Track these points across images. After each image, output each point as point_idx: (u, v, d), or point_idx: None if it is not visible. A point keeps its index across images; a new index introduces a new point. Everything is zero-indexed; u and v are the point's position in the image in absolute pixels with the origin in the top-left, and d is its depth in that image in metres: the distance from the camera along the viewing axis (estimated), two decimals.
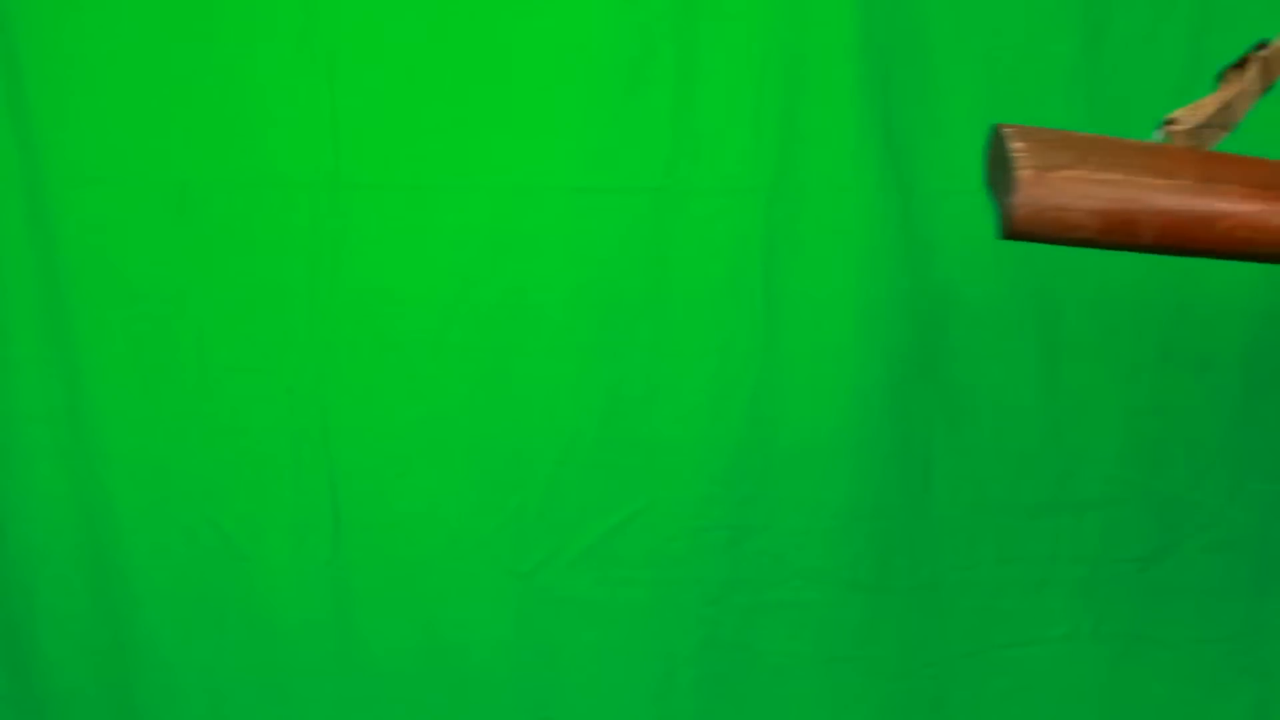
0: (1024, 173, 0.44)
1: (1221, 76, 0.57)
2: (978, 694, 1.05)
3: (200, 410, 1.04)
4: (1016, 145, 0.46)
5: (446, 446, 1.03)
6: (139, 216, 1.00)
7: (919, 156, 0.95)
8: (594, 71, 0.95)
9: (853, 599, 1.04)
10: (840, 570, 1.04)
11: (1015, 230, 0.46)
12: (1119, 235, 0.45)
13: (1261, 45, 0.57)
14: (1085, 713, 1.05)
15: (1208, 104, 0.55)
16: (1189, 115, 0.54)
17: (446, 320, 1.01)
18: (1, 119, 0.99)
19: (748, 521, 1.03)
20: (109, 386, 1.03)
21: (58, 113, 0.99)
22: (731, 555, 1.04)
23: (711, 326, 0.99)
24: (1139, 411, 0.98)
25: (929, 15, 0.92)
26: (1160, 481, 0.99)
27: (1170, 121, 0.54)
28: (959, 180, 0.94)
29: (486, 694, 1.10)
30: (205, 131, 0.99)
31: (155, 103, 0.98)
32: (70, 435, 1.06)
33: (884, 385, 0.99)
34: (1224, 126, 0.55)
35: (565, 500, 1.04)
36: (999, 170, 0.48)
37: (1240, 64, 0.57)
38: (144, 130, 0.99)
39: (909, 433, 1.00)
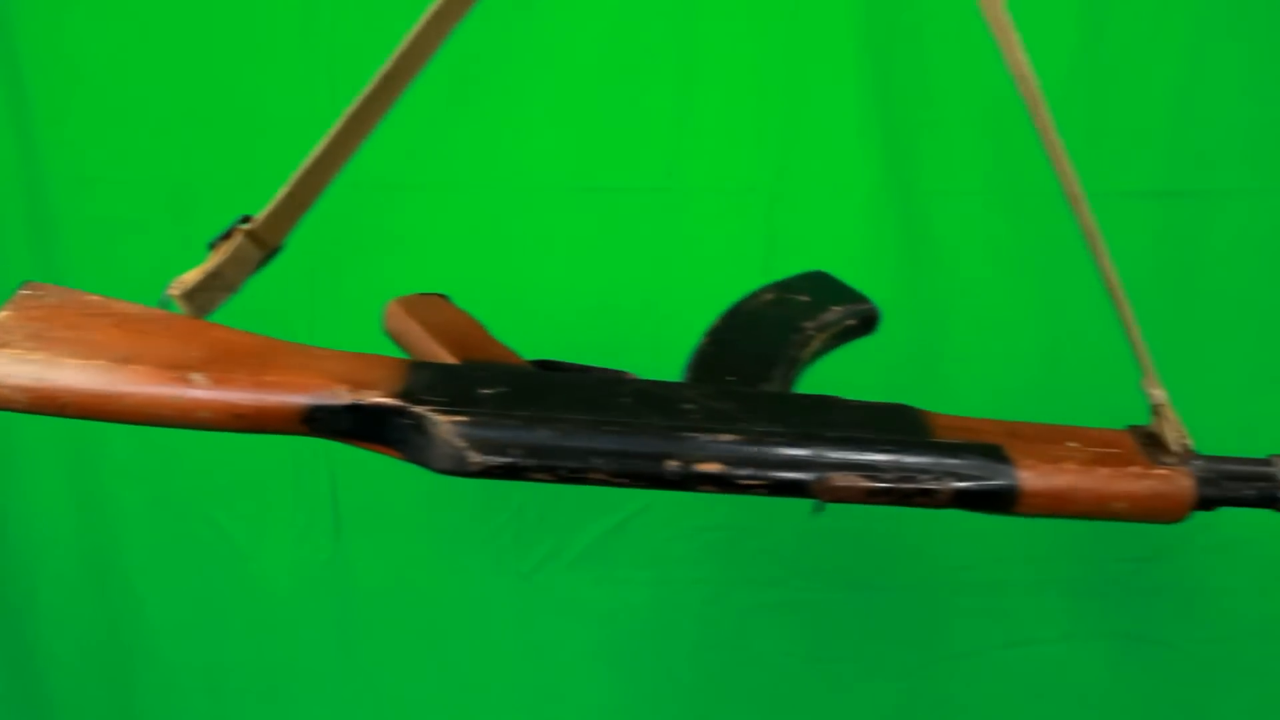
0: None
1: (211, 246, 0.63)
2: (978, 694, 1.06)
3: None
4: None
5: None
6: (139, 216, 1.00)
7: (919, 156, 0.94)
8: (594, 71, 0.95)
9: (853, 599, 1.04)
10: (840, 570, 1.04)
11: None
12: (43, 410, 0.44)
13: (245, 219, 0.63)
14: (1085, 713, 1.05)
15: (195, 272, 0.61)
16: (181, 283, 0.58)
17: None
18: (1, 119, 0.99)
19: (748, 521, 1.03)
20: None
21: (58, 113, 0.99)
22: (731, 555, 1.04)
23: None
24: (1139, 411, 0.98)
25: (929, 15, 0.92)
26: None
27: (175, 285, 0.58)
28: (959, 180, 0.94)
29: (486, 694, 1.11)
30: (205, 131, 0.99)
31: (155, 103, 0.98)
32: (70, 435, 1.06)
33: (884, 385, 0.99)
34: (228, 289, 0.62)
35: (565, 500, 1.04)
36: None
37: (226, 235, 0.63)
38: (144, 130, 0.99)
39: None
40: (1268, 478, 0.61)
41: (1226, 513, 1.02)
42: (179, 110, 0.98)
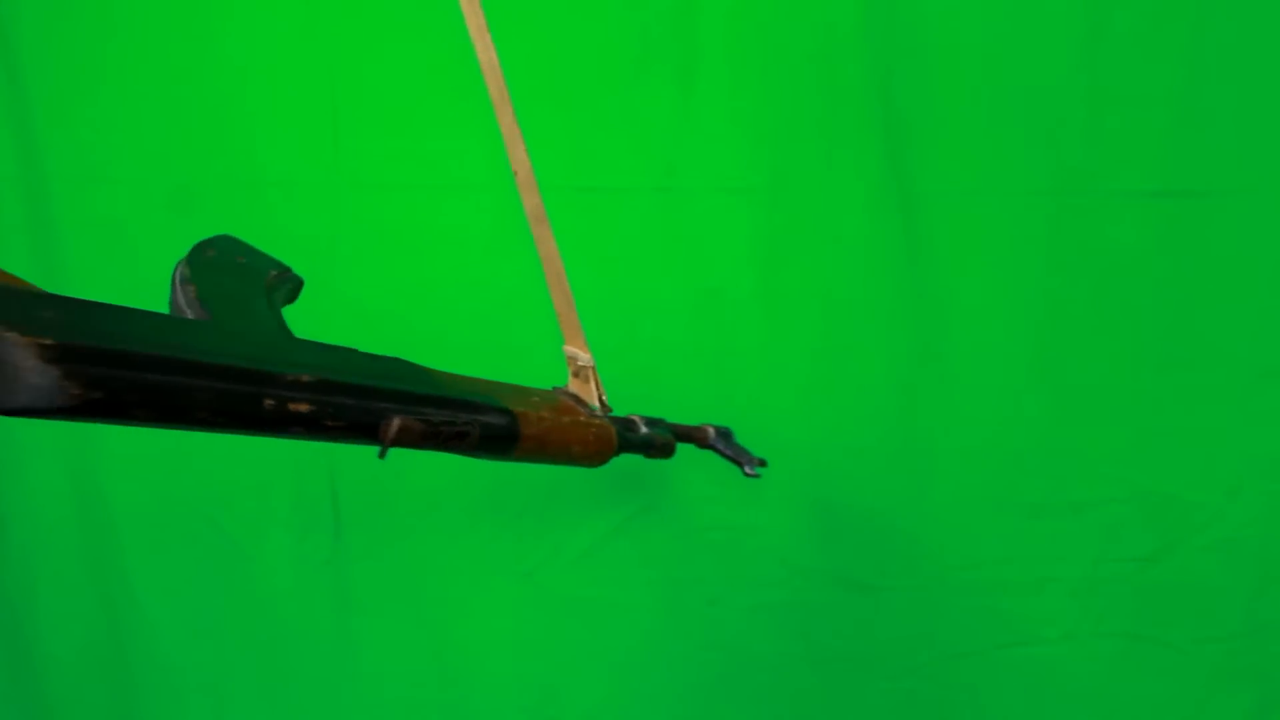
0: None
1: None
2: (978, 694, 1.05)
3: None
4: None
5: None
6: (139, 216, 1.00)
7: (919, 156, 0.94)
8: (594, 71, 0.95)
9: (853, 599, 1.04)
10: (840, 570, 1.04)
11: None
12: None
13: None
14: (1085, 713, 1.05)
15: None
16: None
17: (447, 320, 1.01)
18: (1, 119, 0.99)
19: (748, 521, 1.03)
20: None
21: (58, 113, 0.99)
22: (732, 555, 1.04)
23: (711, 326, 0.99)
24: (1139, 411, 0.98)
25: (929, 15, 0.92)
26: (1160, 481, 0.99)
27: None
28: (959, 180, 0.94)
29: (486, 694, 1.11)
30: (205, 131, 0.99)
31: (155, 103, 0.99)
32: (70, 435, 1.06)
33: (884, 385, 0.99)
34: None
35: (565, 500, 1.04)
36: None
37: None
38: (144, 130, 0.99)
39: (909, 433, 1.00)
40: (657, 425, 0.77)
41: (1226, 513, 1.03)
42: (179, 110, 0.99)
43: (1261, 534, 0.98)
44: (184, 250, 0.98)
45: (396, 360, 0.57)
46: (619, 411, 0.74)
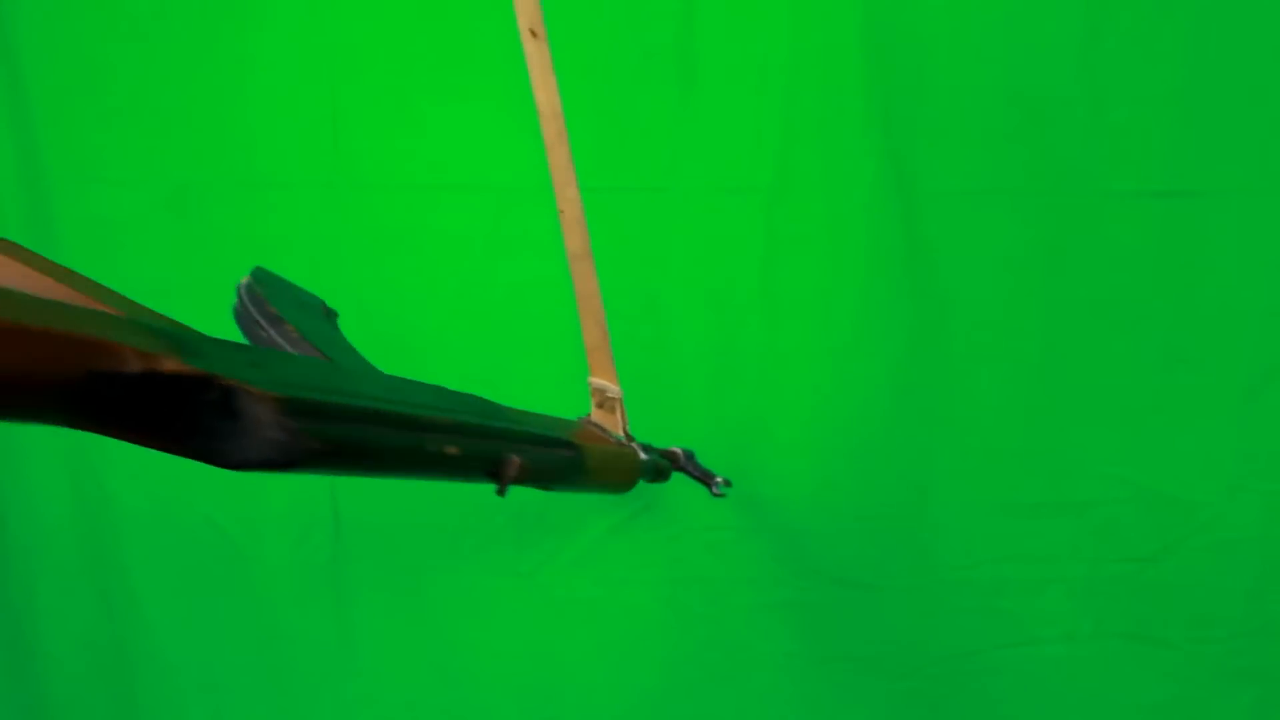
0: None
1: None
2: (978, 694, 1.05)
3: None
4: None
5: None
6: (139, 216, 1.00)
7: (919, 156, 0.94)
8: (594, 71, 0.95)
9: (853, 599, 1.04)
10: (840, 570, 1.04)
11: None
12: None
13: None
14: (1085, 713, 1.05)
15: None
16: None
17: (447, 320, 1.01)
18: (1, 119, 0.99)
19: (748, 521, 1.03)
20: None
21: (58, 113, 0.99)
22: (731, 555, 1.04)
23: (711, 326, 0.99)
24: (1139, 411, 0.98)
25: (929, 15, 0.92)
26: (1160, 481, 0.99)
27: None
28: (959, 180, 0.94)
29: (486, 694, 1.11)
30: (205, 132, 0.99)
31: (155, 103, 0.98)
32: (70, 435, 1.06)
33: (884, 385, 0.99)
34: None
35: (565, 500, 1.04)
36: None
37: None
38: (144, 130, 0.99)
39: (909, 432, 1.00)
40: (670, 457, 0.83)
41: (1226, 513, 1.03)
42: (179, 110, 0.99)
43: (1261, 534, 0.98)
44: (184, 250, 0.98)
45: (479, 397, 0.58)
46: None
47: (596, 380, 0.76)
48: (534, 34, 0.63)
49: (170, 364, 0.33)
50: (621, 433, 0.76)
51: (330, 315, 0.67)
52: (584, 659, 1.08)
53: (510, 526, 1.05)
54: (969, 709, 1.06)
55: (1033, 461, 0.99)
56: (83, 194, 1.00)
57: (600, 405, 0.76)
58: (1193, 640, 1.02)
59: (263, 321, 0.59)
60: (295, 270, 1.00)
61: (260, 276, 0.64)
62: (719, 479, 0.88)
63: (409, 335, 1.01)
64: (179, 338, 0.35)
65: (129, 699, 1.13)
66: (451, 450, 0.45)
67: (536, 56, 0.64)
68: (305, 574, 1.08)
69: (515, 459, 0.50)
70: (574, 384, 1.01)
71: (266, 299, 0.61)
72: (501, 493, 0.50)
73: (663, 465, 0.82)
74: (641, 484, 1.04)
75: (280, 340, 0.58)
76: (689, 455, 0.90)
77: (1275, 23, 0.90)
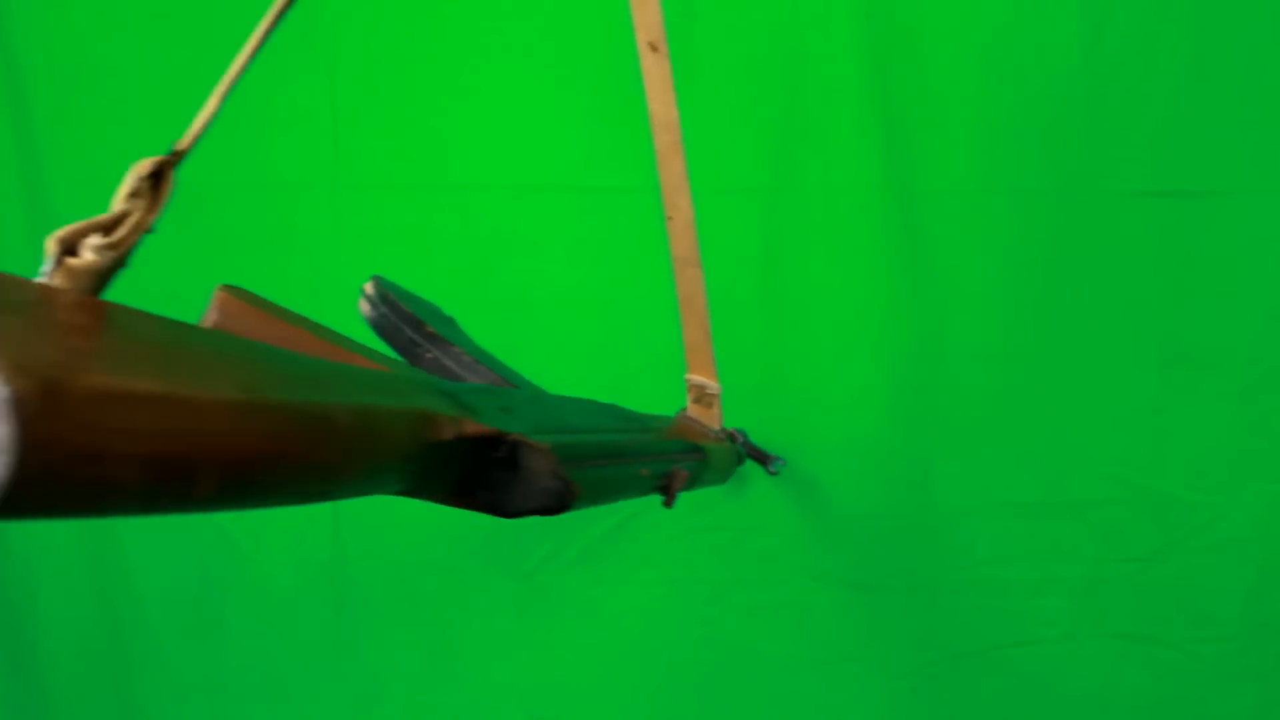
0: (22, 384, 0.19)
1: (135, 191, 0.42)
2: (978, 694, 1.05)
3: None
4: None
5: None
6: None
7: (919, 156, 0.94)
8: (594, 71, 0.95)
9: (853, 599, 1.04)
10: (840, 570, 1.04)
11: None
12: (167, 497, 0.24)
13: (173, 151, 0.45)
14: (1085, 713, 1.05)
15: (124, 229, 0.40)
16: (102, 247, 0.37)
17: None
18: (1, 119, 0.99)
19: (748, 521, 1.03)
20: None
21: (58, 113, 0.99)
22: (731, 555, 1.04)
23: (711, 326, 0.99)
24: (1139, 411, 0.98)
25: (929, 15, 0.92)
26: (1160, 481, 0.99)
27: (68, 250, 0.36)
28: (959, 180, 0.94)
29: (486, 694, 1.11)
30: (206, 132, 0.99)
31: (155, 103, 0.99)
32: None
33: (884, 385, 0.99)
34: (125, 263, 0.41)
35: None
36: None
37: (157, 174, 0.43)
38: (144, 130, 0.99)
39: (909, 432, 1.00)
40: (731, 438, 0.81)
41: (1226, 513, 1.03)
42: (179, 110, 0.98)
43: (1261, 534, 0.98)
44: (185, 250, 0.99)
45: (618, 406, 0.60)
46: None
47: (695, 377, 0.78)
48: (653, 48, 0.63)
49: (471, 427, 0.34)
50: (717, 427, 0.78)
51: (450, 321, 0.67)
52: (584, 659, 1.08)
53: (510, 526, 1.05)
54: (969, 709, 1.06)
55: (1033, 461, 0.99)
56: (83, 194, 1.00)
57: (697, 400, 0.79)
58: (1193, 640, 1.02)
59: (419, 338, 0.59)
60: (296, 270, 1.01)
61: (384, 284, 0.63)
62: (775, 458, 0.89)
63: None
64: (456, 395, 0.35)
65: (129, 699, 1.13)
66: (644, 472, 0.47)
67: (655, 70, 0.65)
68: (305, 574, 1.08)
69: (681, 471, 0.52)
70: (573, 385, 1.01)
71: (414, 313, 0.61)
72: (669, 504, 0.51)
73: (742, 452, 0.83)
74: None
75: (451, 364, 0.58)
76: (743, 434, 0.91)
77: (1276, 23, 0.90)
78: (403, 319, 0.60)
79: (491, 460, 0.35)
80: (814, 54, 0.93)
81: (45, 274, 0.36)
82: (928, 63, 0.93)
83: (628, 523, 1.05)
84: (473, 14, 0.96)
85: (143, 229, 0.40)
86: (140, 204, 0.41)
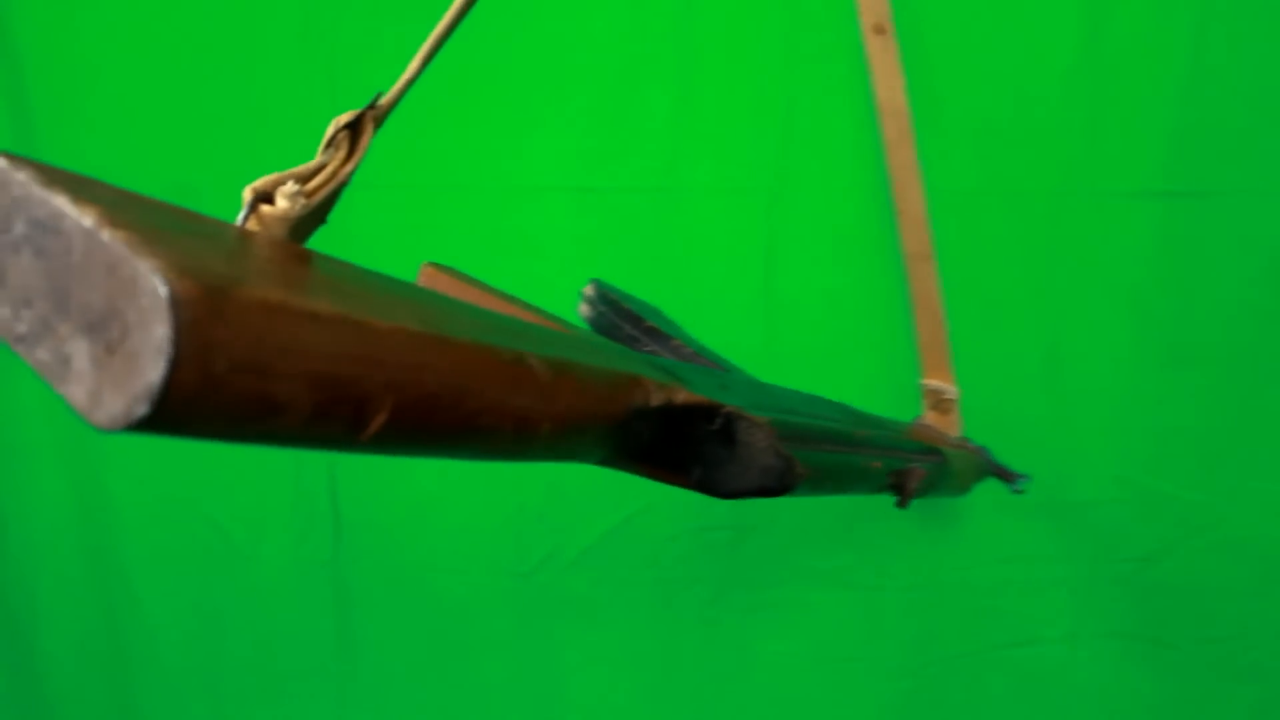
0: (188, 288, 0.19)
1: (332, 140, 0.42)
2: (978, 694, 1.05)
3: None
4: (95, 213, 0.20)
5: None
6: None
7: (919, 156, 0.94)
8: (594, 71, 0.96)
9: (853, 599, 1.04)
10: (840, 570, 1.04)
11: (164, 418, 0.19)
12: (338, 423, 0.23)
13: (375, 102, 0.44)
14: (1085, 713, 1.05)
15: (320, 179, 0.41)
16: (295, 195, 0.37)
17: None
18: (1, 119, 0.99)
19: (748, 521, 1.03)
20: None
21: (58, 113, 0.99)
22: (731, 555, 1.04)
23: (711, 326, 0.99)
24: (1139, 411, 0.98)
25: (929, 15, 0.92)
26: (1160, 481, 0.99)
27: (262, 198, 0.37)
28: (959, 180, 0.94)
29: (486, 694, 1.10)
30: (205, 132, 0.99)
31: (155, 103, 0.99)
32: (70, 435, 1.06)
33: (883, 385, 0.99)
34: (323, 217, 0.42)
35: (565, 500, 1.04)
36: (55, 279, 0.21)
37: (355, 124, 0.43)
38: (144, 130, 0.99)
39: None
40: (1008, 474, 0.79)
41: (1226, 513, 1.03)
42: (179, 110, 0.99)
43: (1261, 534, 0.98)
44: None
45: (849, 406, 0.58)
46: None
47: (931, 382, 0.73)
48: (879, 30, 0.61)
49: (682, 394, 0.33)
50: (956, 434, 0.73)
51: (674, 324, 0.67)
52: (584, 659, 1.08)
53: (509, 526, 1.05)
54: (969, 709, 1.06)
55: (1032, 461, 0.99)
56: None
57: (934, 407, 0.74)
58: (1193, 640, 1.02)
59: (637, 333, 0.58)
60: None
61: (603, 286, 0.62)
62: (1020, 475, 0.85)
63: None
64: (671, 367, 0.35)
65: (129, 699, 1.13)
66: (876, 465, 0.45)
67: (881, 54, 0.62)
68: (305, 574, 1.08)
69: (919, 470, 0.50)
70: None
71: (633, 309, 0.60)
72: (904, 504, 0.48)
73: (985, 465, 0.78)
74: (645, 483, 1.04)
75: (670, 356, 0.57)
76: (985, 452, 0.87)
77: (1276, 23, 0.90)
78: (621, 316, 0.59)
79: (706, 434, 0.34)
80: (814, 54, 0.93)
81: (239, 222, 0.37)
82: (927, 62, 0.93)
83: (628, 523, 1.05)
84: (472, 13, 0.95)
85: (339, 180, 0.41)
86: (338, 155, 0.41)
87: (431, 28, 0.99)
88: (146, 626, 1.11)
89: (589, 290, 0.62)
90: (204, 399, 0.19)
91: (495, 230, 0.99)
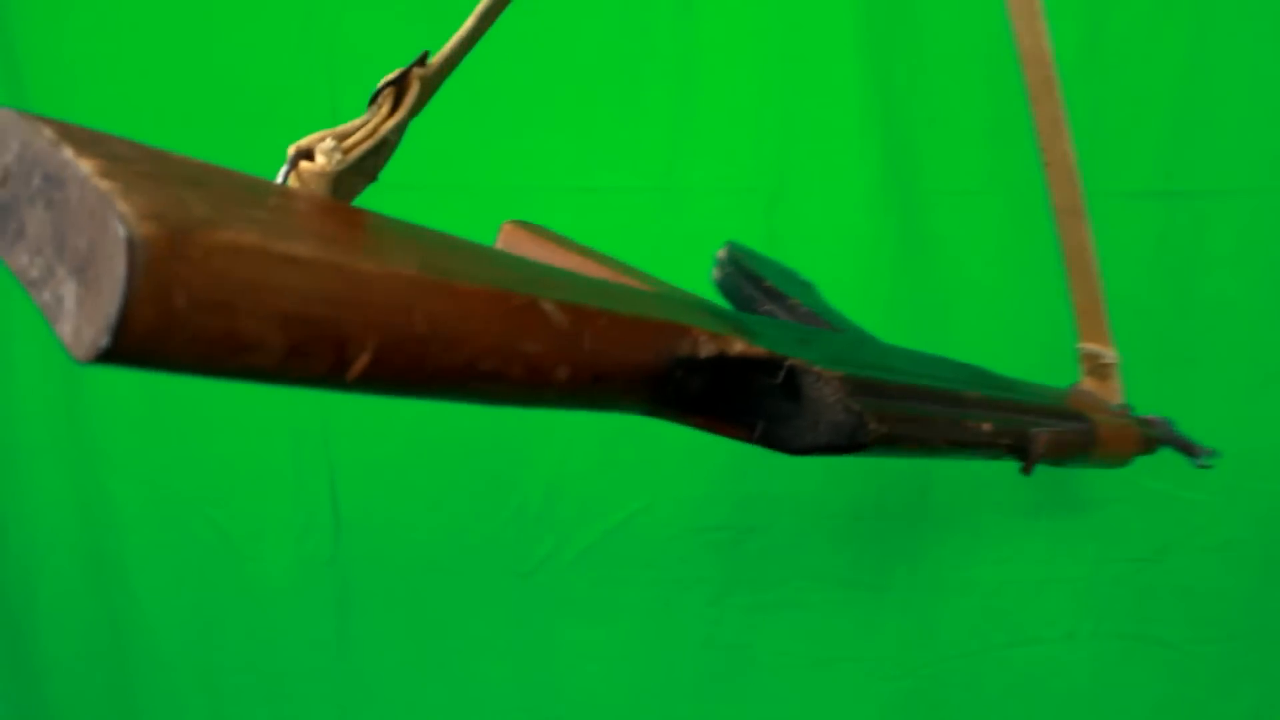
0: (147, 229, 0.20)
1: (376, 98, 0.42)
2: (978, 694, 1.05)
3: (200, 410, 1.04)
4: (91, 164, 0.22)
5: (446, 446, 1.03)
6: None
7: (919, 156, 0.94)
8: (593, 71, 0.95)
9: (853, 599, 1.04)
10: (840, 570, 1.04)
11: (127, 350, 0.20)
12: (318, 362, 0.23)
13: (423, 60, 0.44)
14: (1085, 713, 1.05)
15: (358, 135, 0.40)
16: (332, 150, 0.38)
17: None
18: None
19: (748, 521, 1.03)
20: (109, 386, 1.03)
21: (58, 112, 0.99)
22: (731, 555, 1.04)
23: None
24: (1139, 411, 0.98)
25: (929, 15, 0.92)
26: (1160, 481, 0.99)
27: (303, 155, 0.38)
28: (959, 180, 0.94)
29: (486, 694, 1.10)
30: (205, 132, 0.99)
31: (155, 103, 0.98)
32: (70, 435, 1.06)
33: None
34: (371, 174, 0.42)
35: (565, 500, 1.04)
36: (47, 221, 0.23)
37: (399, 81, 0.42)
38: (144, 131, 0.99)
39: None
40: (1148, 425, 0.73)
41: (1227, 513, 1.03)
42: (179, 110, 0.98)
43: (1261, 534, 0.98)
44: None
45: (982, 368, 0.56)
46: None
47: (1088, 346, 0.69)
48: None
49: (738, 345, 0.32)
50: (1117, 402, 0.69)
51: (809, 285, 0.65)
52: (584, 659, 1.08)
53: (510, 527, 1.05)
54: (969, 709, 1.06)
55: None
56: None
57: (1092, 372, 0.69)
58: (1193, 640, 1.02)
59: (756, 294, 0.57)
60: None
61: (737, 248, 0.61)
62: (1207, 450, 0.80)
63: None
64: (737, 318, 0.34)
65: (129, 699, 1.13)
66: (986, 427, 0.42)
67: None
68: (305, 574, 1.08)
69: (1043, 435, 0.47)
70: None
71: (757, 270, 0.57)
72: (1027, 471, 0.46)
73: (1153, 437, 0.73)
74: (645, 483, 1.04)
75: (784, 315, 0.55)
76: (1167, 424, 0.81)
77: (1275, 23, 0.90)
78: (745, 275, 0.59)
79: (769, 388, 0.33)
80: (814, 54, 0.93)
81: (279, 178, 0.37)
82: (927, 62, 0.93)
83: (628, 523, 1.05)
84: (470, 13, 0.95)
85: (378, 137, 0.41)
86: (380, 112, 0.41)
87: (430, 28, 0.99)
88: (146, 626, 1.11)
89: (721, 253, 0.61)
90: (166, 332, 0.20)
91: (495, 230, 0.99)
